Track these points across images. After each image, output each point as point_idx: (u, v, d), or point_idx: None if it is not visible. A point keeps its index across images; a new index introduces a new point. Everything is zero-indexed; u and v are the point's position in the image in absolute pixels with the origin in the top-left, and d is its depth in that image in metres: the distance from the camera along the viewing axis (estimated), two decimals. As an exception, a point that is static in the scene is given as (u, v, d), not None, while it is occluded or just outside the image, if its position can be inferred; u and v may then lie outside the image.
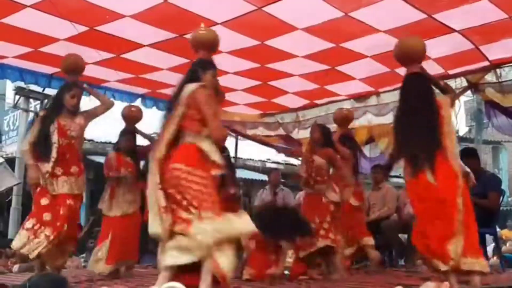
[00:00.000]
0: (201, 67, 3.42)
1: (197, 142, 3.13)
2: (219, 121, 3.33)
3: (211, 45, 3.57)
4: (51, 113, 4.25)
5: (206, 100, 3.18)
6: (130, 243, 4.93)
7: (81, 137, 4.37)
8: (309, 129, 7.64)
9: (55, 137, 4.10)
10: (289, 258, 4.56)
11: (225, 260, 2.92)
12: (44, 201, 4.06)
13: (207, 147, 3.13)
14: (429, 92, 3.60)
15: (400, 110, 3.71)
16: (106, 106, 4.53)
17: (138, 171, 4.98)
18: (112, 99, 6.40)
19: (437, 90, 3.74)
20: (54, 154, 4.07)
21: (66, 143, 4.15)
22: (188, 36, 4.97)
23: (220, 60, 5.64)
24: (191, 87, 3.22)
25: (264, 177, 10.52)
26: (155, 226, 3.02)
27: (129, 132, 5.17)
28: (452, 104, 3.79)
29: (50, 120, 4.17)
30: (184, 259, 2.93)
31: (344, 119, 5.77)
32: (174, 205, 3.01)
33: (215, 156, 3.14)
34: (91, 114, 4.44)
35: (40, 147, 4.13)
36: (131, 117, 5.22)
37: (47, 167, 4.05)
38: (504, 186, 5.89)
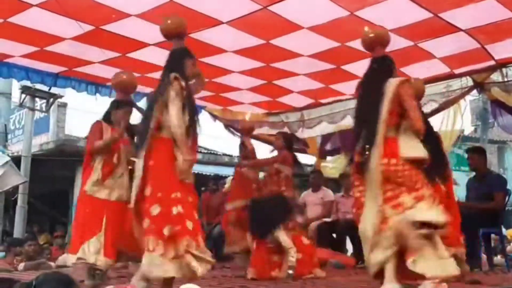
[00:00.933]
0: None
1: (397, 136, 3.29)
2: (419, 114, 3.42)
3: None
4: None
5: (409, 94, 3.36)
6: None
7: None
8: (314, 129, 7.75)
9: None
10: (292, 257, 4.56)
11: None
12: None
13: (406, 139, 3.29)
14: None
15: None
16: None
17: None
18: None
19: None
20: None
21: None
22: (194, 35, 5.03)
23: (225, 60, 5.74)
24: (393, 82, 3.35)
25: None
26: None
27: (127, 104, 4.27)
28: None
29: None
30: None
31: None
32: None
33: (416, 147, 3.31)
34: None
35: None
36: (128, 85, 4.36)
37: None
38: (510, 186, 5.86)
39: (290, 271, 4.53)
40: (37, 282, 2.22)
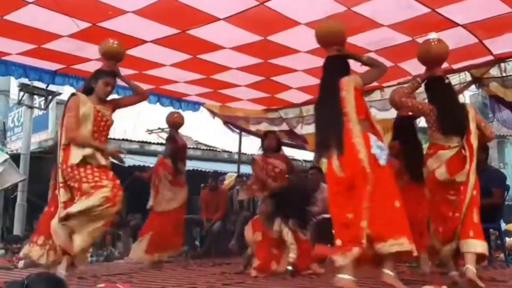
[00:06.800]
0: (93, 77, 3.97)
1: None
2: None
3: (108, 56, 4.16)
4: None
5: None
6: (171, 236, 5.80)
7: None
8: (313, 125, 7.73)
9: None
10: (293, 254, 4.57)
11: None
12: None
13: None
14: (332, 73, 3.55)
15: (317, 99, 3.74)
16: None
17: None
18: (115, 95, 6.45)
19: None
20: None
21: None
22: (190, 32, 5.02)
23: (223, 56, 5.73)
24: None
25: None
26: None
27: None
28: (370, 78, 3.66)
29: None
30: None
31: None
32: None
33: None
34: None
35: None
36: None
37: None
38: (509, 181, 5.87)
39: (290, 268, 4.53)
40: (28, 281, 2.22)
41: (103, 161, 3.81)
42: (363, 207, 3.13)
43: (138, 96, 4.49)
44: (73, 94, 4.02)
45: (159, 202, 5.79)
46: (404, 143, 4.62)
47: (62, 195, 3.78)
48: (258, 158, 5.59)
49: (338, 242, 3.19)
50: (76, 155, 3.74)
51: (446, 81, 3.94)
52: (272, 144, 5.55)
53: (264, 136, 5.73)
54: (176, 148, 5.98)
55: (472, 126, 3.71)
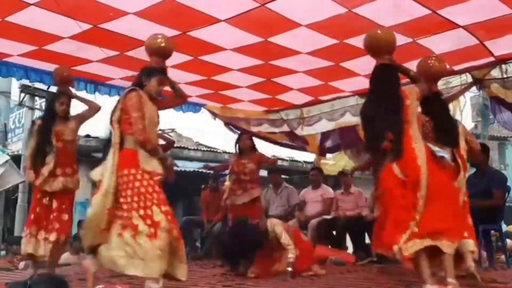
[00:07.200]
0: (145, 74, 3.60)
1: None
2: None
3: (162, 53, 3.89)
4: (47, 123, 4.63)
5: None
6: None
7: (74, 140, 4.75)
8: (314, 126, 7.75)
9: (53, 143, 4.54)
10: (292, 255, 4.56)
11: None
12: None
13: None
14: (394, 82, 3.65)
15: (367, 102, 3.79)
16: (94, 111, 4.86)
17: None
18: (117, 96, 6.46)
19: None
20: (53, 157, 4.52)
21: (61, 146, 4.56)
22: (191, 33, 5.03)
23: (224, 58, 5.73)
24: None
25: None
26: None
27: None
28: (422, 92, 3.74)
29: (48, 129, 4.57)
30: None
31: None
32: None
33: None
34: (81, 118, 4.83)
35: (40, 155, 4.55)
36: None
37: (47, 168, 4.47)
38: (510, 182, 5.85)
39: (289, 269, 4.53)
40: (31, 282, 2.23)
41: (160, 170, 3.37)
42: (422, 209, 3.28)
43: (180, 99, 4.31)
44: (134, 90, 3.49)
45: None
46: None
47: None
48: (232, 159, 5.95)
49: (399, 244, 3.28)
50: (145, 161, 3.30)
51: (442, 97, 4.31)
52: (245, 145, 5.86)
53: (238, 139, 6.03)
54: None
55: (461, 140, 4.10)
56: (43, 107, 11.00)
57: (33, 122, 5.03)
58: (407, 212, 3.30)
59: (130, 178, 3.22)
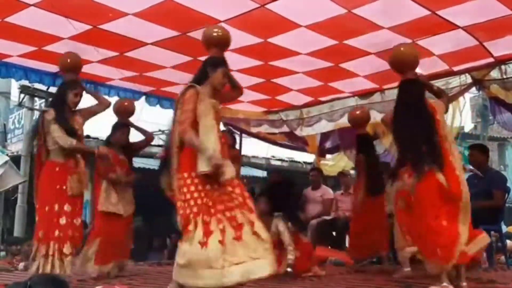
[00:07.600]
0: (211, 64, 3.42)
1: None
2: None
3: (223, 43, 3.58)
4: (62, 112, 4.12)
5: None
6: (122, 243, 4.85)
7: (82, 136, 4.32)
8: (313, 127, 7.74)
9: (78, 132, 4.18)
10: (291, 255, 4.55)
11: None
12: None
13: None
14: (422, 98, 3.78)
15: (397, 118, 3.85)
16: (104, 106, 4.61)
17: (130, 168, 5.08)
18: (116, 97, 6.46)
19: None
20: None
21: None
22: (191, 34, 5.02)
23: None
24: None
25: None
26: None
27: (124, 125, 5.08)
28: (446, 108, 3.95)
29: (65, 119, 4.10)
30: None
31: (357, 119, 5.79)
32: None
33: None
34: (89, 113, 4.45)
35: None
36: (125, 111, 5.16)
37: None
38: (510, 183, 5.86)
39: (289, 269, 4.52)
40: (31, 283, 2.22)
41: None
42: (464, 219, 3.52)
43: (239, 91, 4.10)
44: (191, 87, 3.34)
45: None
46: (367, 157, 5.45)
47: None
48: None
49: (439, 251, 3.46)
50: (203, 164, 3.10)
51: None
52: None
53: None
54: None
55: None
56: (43, 108, 11.01)
57: (42, 112, 4.43)
58: (452, 222, 3.50)
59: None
